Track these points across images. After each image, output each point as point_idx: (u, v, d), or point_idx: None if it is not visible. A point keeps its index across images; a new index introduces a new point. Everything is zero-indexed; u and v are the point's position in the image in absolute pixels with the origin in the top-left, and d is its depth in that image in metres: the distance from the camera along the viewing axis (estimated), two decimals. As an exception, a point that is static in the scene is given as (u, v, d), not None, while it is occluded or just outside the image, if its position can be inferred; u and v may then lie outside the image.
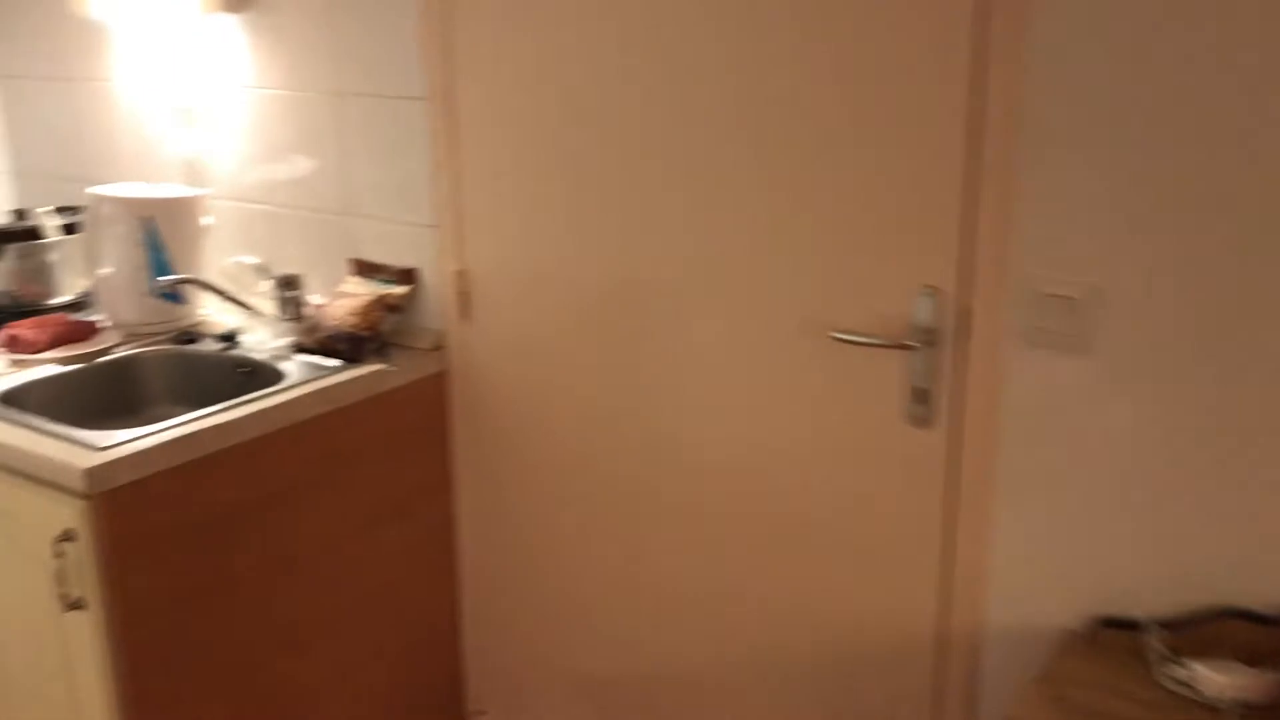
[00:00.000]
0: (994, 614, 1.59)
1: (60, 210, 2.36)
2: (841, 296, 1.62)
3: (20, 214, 2.30)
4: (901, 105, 1.51)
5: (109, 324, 2.15)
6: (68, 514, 1.59)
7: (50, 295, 2.28)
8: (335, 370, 1.94)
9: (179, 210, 2.15)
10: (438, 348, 2.06)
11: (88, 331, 2.10)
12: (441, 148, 1.96)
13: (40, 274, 2.26)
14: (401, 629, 2.08)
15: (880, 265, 1.57)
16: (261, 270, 2.25)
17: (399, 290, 2.05)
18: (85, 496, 1.56)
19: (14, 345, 1.99)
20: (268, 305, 2.14)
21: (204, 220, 2.21)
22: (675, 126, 1.70)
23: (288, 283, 2.10)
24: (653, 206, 1.76)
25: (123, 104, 2.41)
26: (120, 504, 1.59)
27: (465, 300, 2.02)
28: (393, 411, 1.99)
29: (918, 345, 1.55)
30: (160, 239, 2.12)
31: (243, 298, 2.15)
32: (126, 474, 1.60)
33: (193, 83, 2.27)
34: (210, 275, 2.25)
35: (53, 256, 2.26)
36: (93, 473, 1.55)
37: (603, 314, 1.86)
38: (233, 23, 2.17)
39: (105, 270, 2.15)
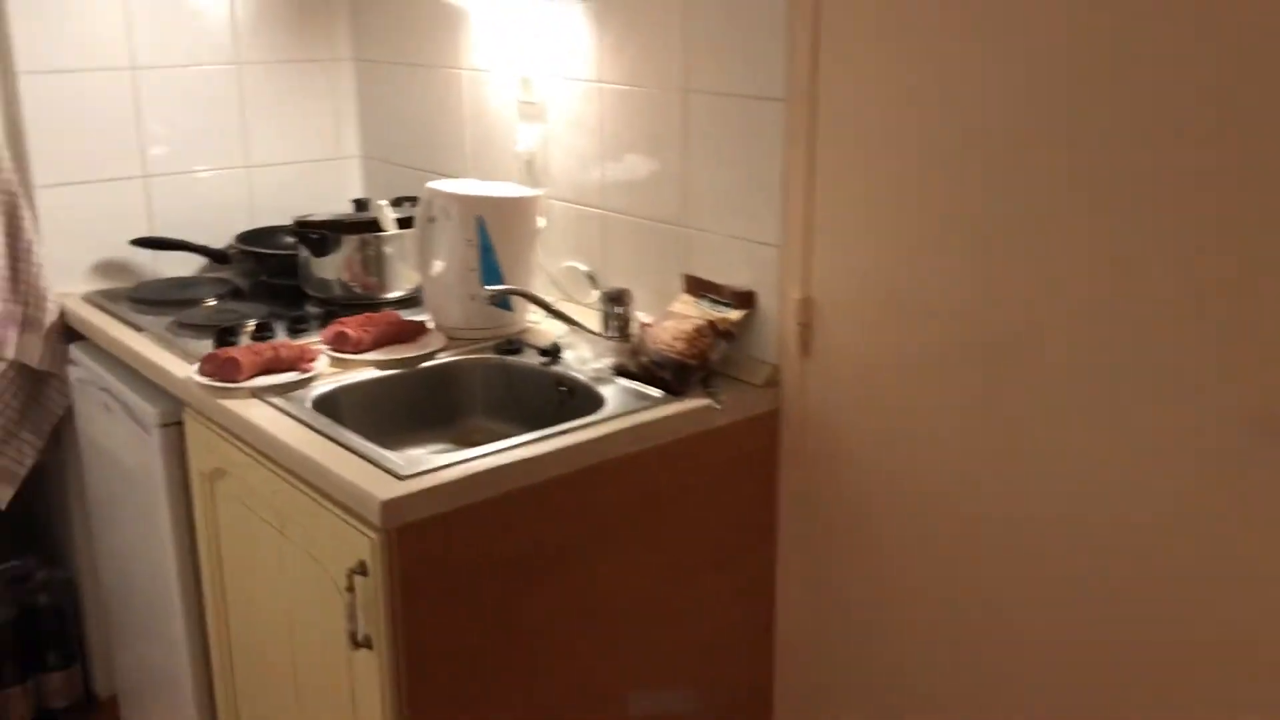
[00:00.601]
0: None
1: (401, 201, 2.31)
2: (1311, 385, 1.22)
3: (361, 204, 2.26)
4: None
5: (434, 325, 2.05)
6: (362, 546, 1.47)
7: (384, 289, 2.22)
8: (657, 402, 1.74)
9: (512, 210, 2.02)
10: (771, 384, 1.81)
11: (414, 332, 2.01)
12: (795, 157, 1.70)
13: (376, 267, 2.21)
14: (706, 691, 1.86)
15: (1376, 350, 1.16)
16: (592, 279, 2.09)
17: (733, 315, 1.82)
18: (380, 530, 1.44)
19: (339, 343, 1.92)
20: (593, 319, 1.97)
21: (538, 222, 2.07)
22: (1090, 141, 1.35)
23: (615, 298, 1.92)
24: (1049, 241, 1.42)
25: (470, 93, 2.32)
26: (416, 541, 1.46)
27: (806, 333, 1.75)
28: (715, 452, 1.76)
29: None
30: (491, 239, 1.99)
31: (567, 311, 1.98)
32: (425, 509, 1.46)
33: (537, 74, 2.13)
34: (539, 280, 2.11)
35: (389, 249, 2.20)
36: (389, 506, 1.42)
37: (971, 364, 1.54)
38: (579, 10, 2.00)
39: (435, 269, 2.05)
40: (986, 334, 1.51)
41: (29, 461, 2.35)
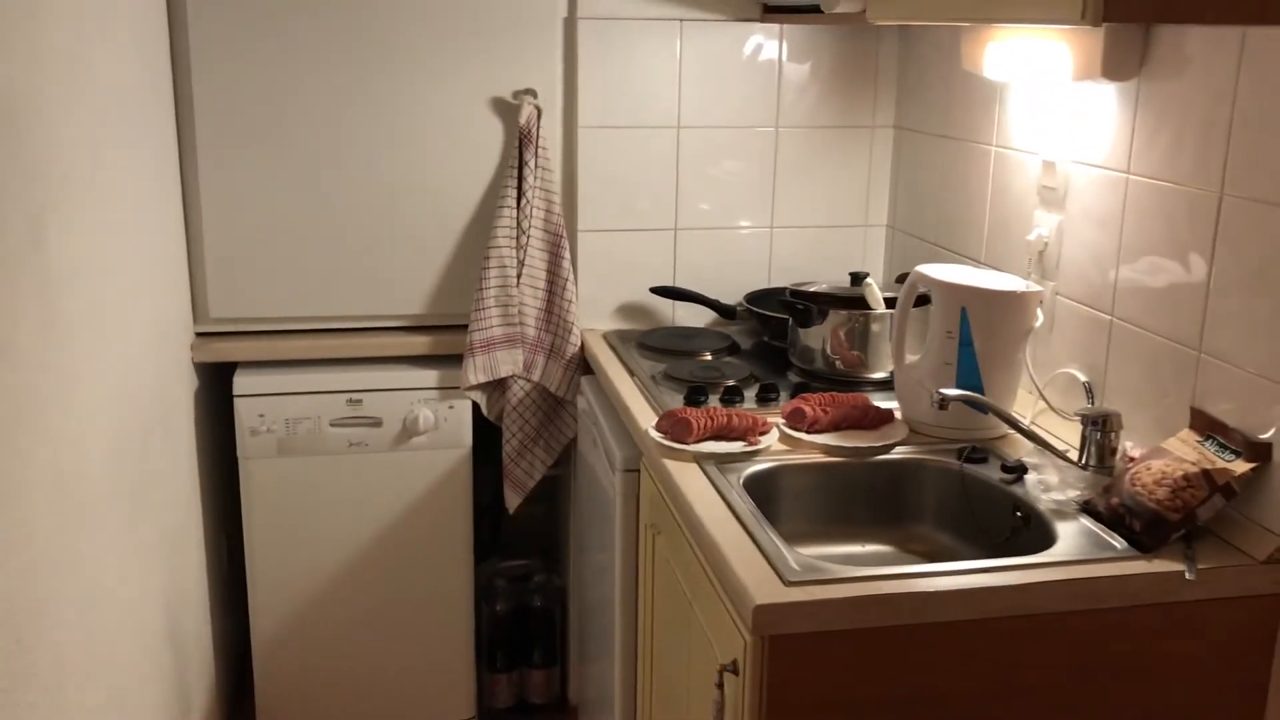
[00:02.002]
0: None
1: (902, 278, 2.20)
2: None
3: (857, 277, 2.19)
4: None
5: (901, 415, 1.93)
6: (737, 644, 1.41)
7: (866, 369, 2.14)
8: (1116, 556, 1.47)
9: (1000, 305, 1.84)
10: (1274, 561, 1.45)
11: (878, 419, 1.90)
12: (1346, 289, 1.35)
13: (860, 344, 2.13)
14: None
15: None
16: (1089, 391, 1.84)
17: (1238, 468, 1.49)
18: (753, 634, 1.36)
19: (795, 419, 1.88)
20: (1074, 440, 1.72)
21: (1032, 320, 1.86)
22: None
23: (1099, 421, 1.66)
24: None
25: (994, 172, 2.16)
26: (790, 655, 1.36)
27: (1330, 511, 1.39)
28: (1182, 633, 1.46)
29: None
30: (973, 334, 1.82)
31: (1041, 427, 1.76)
32: (804, 623, 1.36)
33: (1060, 158, 1.92)
34: (1022, 384, 1.90)
35: (876, 328, 2.11)
36: (763, 612, 1.34)
37: None
38: (1112, 93, 1.77)
39: (911, 357, 1.93)
40: None
41: (538, 474, 2.59)
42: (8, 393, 1.27)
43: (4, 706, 1.22)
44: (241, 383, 2.40)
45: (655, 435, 1.84)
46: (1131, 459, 1.63)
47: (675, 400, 2.01)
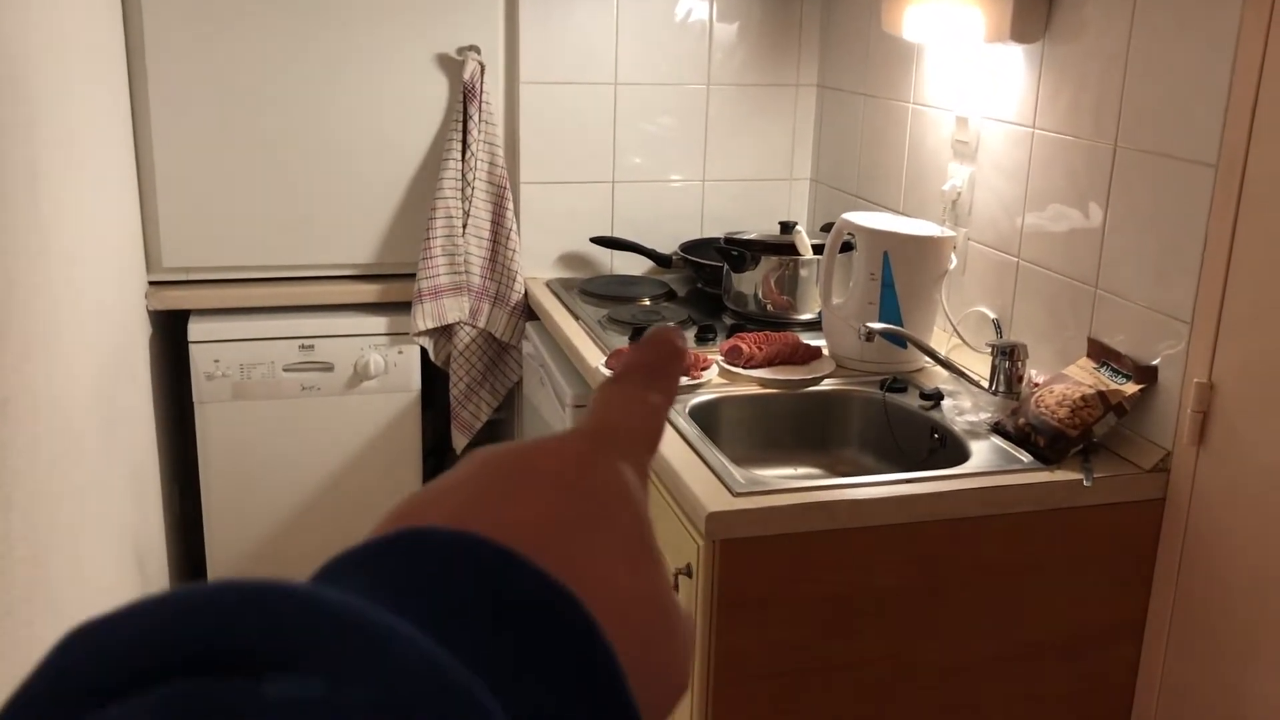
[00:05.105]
0: None
1: (826, 227, 2.37)
2: None
3: (786, 226, 2.35)
4: None
5: (829, 352, 2.10)
6: (691, 550, 1.57)
7: (795, 310, 2.30)
8: (1022, 468, 1.66)
9: (918, 249, 2.01)
10: (1160, 470, 1.66)
11: (808, 355, 2.07)
12: (1219, 228, 1.55)
13: (789, 288, 2.29)
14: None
15: None
16: (998, 327, 2.03)
17: (1128, 389, 1.69)
18: (705, 539, 1.52)
19: (732, 356, 2.03)
20: (984, 370, 1.91)
21: (947, 263, 2.04)
22: None
23: (1007, 352, 1.85)
24: None
25: (911, 128, 2.33)
26: (738, 557, 1.53)
27: (1201, 420, 1.59)
28: (1080, 533, 1.65)
29: None
30: (893, 275, 2.00)
31: (956, 359, 1.94)
32: (751, 529, 1.52)
33: (972, 114, 2.09)
34: (938, 321, 2.09)
35: (804, 272, 2.28)
36: (714, 518, 1.50)
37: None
38: (1019, 55, 1.94)
39: (837, 298, 2.10)
40: None
41: (484, 416, 2.72)
42: (16, 324, 1.36)
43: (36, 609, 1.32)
44: (196, 329, 2.48)
45: (606, 371, 1.99)
46: (1036, 384, 1.82)
47: (620, 341, 2.16)
